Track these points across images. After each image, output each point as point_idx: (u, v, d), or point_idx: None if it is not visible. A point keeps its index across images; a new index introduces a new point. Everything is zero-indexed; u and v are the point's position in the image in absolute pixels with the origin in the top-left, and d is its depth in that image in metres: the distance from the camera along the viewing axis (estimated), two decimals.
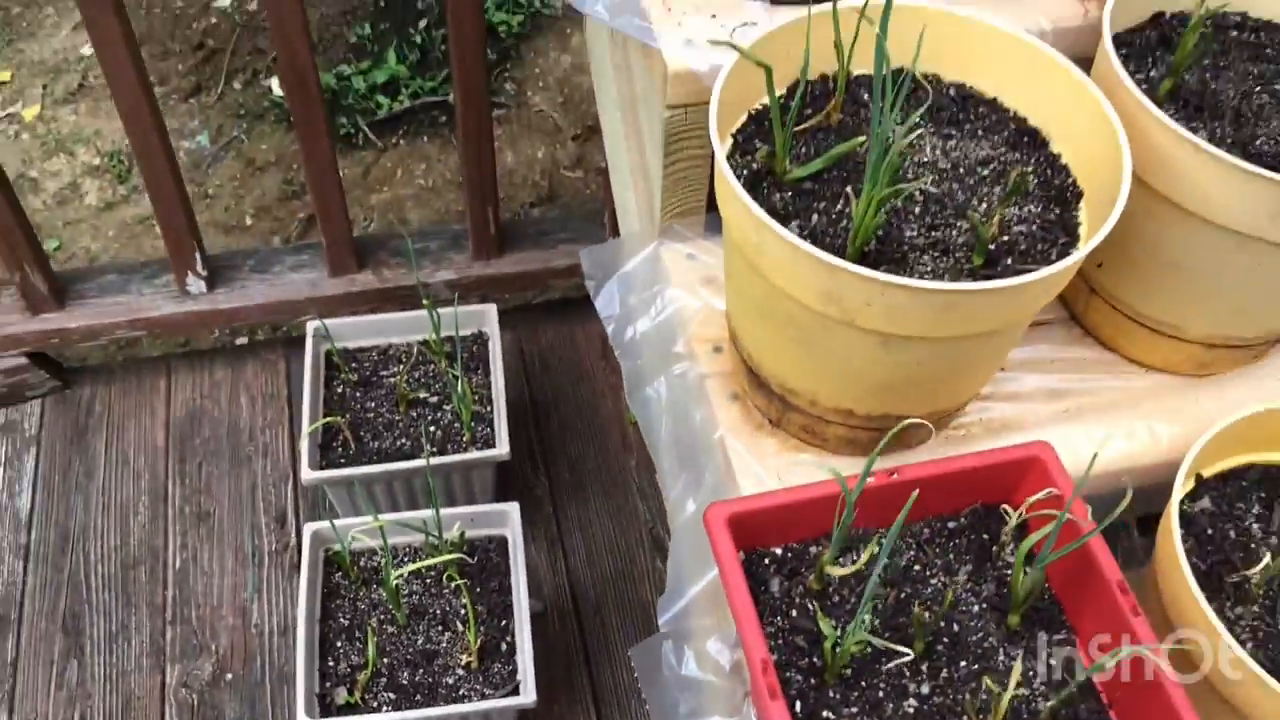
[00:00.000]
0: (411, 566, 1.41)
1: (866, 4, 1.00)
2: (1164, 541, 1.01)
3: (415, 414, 1.64)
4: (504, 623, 1.45)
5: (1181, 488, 1.04)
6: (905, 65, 1.08)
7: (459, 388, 1.56)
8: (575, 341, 1.98)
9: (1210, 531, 1.08)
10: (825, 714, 0.96)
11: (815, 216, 0.98)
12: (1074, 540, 0.96)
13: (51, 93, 3.32)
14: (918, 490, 0.94)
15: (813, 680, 0.98)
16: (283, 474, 1.79)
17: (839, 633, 0.95)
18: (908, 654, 0.94)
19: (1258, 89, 1.12)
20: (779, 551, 1.05)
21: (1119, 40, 1.15)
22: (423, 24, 3.24)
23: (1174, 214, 1.04)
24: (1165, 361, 1.20)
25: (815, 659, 0.98)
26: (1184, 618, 0.97)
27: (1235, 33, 1.18)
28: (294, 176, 2.99)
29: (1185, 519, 1.09)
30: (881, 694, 0.97)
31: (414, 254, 1.87)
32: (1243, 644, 0.97)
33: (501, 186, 1.97)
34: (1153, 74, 1.12)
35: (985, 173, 1.04)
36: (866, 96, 1.09)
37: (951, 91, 1.10)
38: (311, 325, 1.65)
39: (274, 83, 3.22)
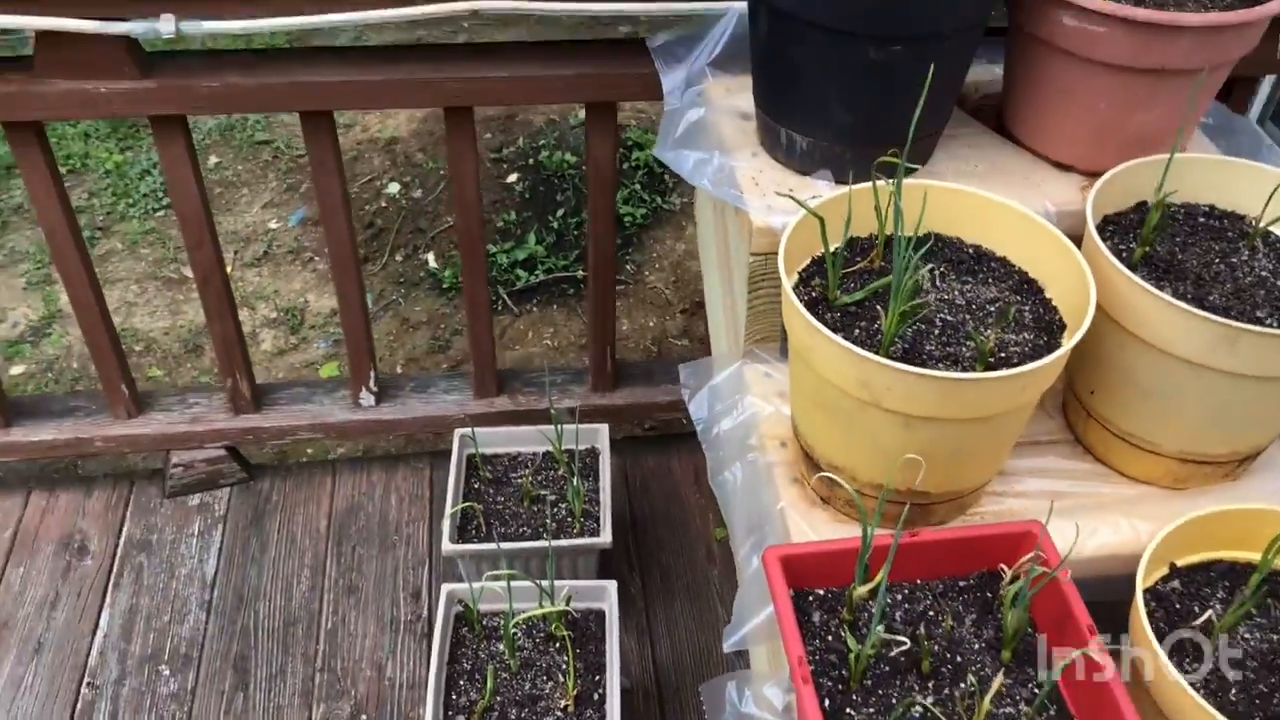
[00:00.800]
0: (525, 615, 1.72)
1: (899, 186, 1.36)
2: (1134, 613, 1.26)
3: (537, 508, 1.97)
4: (597, 678, 1.73)
5: (1146, 566, 1.30)
6: (934, 229, 1.44)
7: (573, 483, 1.90)
8: (672, 469, 2.31)
9: (1178, 606, 1.34)
10: (849, 711, 1.23)
11: (856, 330, 1.32)
12: (1054, 590, 1.24)
13: (241, 257, 3.90)
14: (933, 550, 1.23)
15: (840, 687, 1.25)
16: (420, 559, 2.12)
17: (861, 646, 1.23)
18: (905, 643, 1.21)
19: (1216, 260, 1.44)
20: (821, 592, 1.34)
21: (1109, 220, 1.48)
22: (560, 213, 3.75)
23: (1141, 348, 1.35)
24: (1148, 474, 1.48)
25: (844, 672, 1.26)
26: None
27: (1203, 219, 1.50)
28: (441, 334, 3.45)
29: (1158, 596, 1.35)
30: (894, 700, 1.24)
31: (545, 385, 2.24)
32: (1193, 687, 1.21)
33: (618, 349, 2.35)
34: (1131, 245, 1.45)
35: (992, 309, 1.37)
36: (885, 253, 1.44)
37: (970, 250, 1.45)
38: (459, 431, 2.02)
39: (430, 256, 3.75)
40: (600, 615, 1.82)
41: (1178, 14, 1.38)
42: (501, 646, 1.75)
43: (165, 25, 1.59)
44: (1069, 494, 1.48)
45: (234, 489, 2.24)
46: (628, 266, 3.67)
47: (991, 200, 1.42)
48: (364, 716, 1.89)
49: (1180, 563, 1.37)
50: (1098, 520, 1.43)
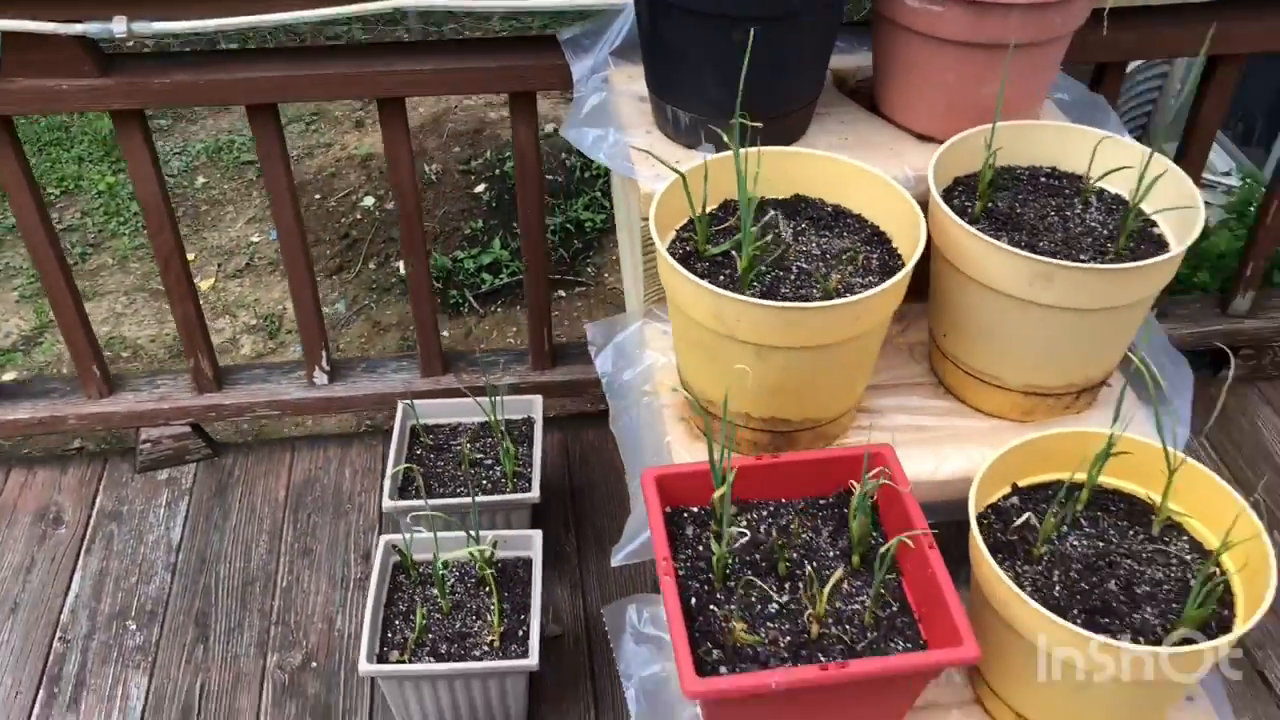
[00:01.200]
0: (451, 555, 1.88)
1: (737, 150, 1.53)
2: (973, 539, 1.42)
3: (474, 471, 2.14)
4: (523, 617, 1.89)
5: (981, 486, 1.45)
6: (800, 191, 1.61)
7: (506, 446, 2.07)
8: (609, 443, 2.46)
9: (1014, 519, 1.49)
10: (711, 607, 1.38)
11: (721, 276, 1.48)
12: (898, 503, 1.40)
13: (224, 269, 4.09)
14: (793, 470, 1.40)
15: (706, 588, 1.41)
16: (370, 524, 2.29)
17: (723, 549, 1.39)
18: (746, 534, 1.37)
19: (1052, 213, 1.60)
20: (695, 509, 1.50)
21: (960, 181, 1.65)
22: None
23: (976, 288, 1.51)
24: (998, 408, 1.64)
25: (710, 575, 1.42)
26: (977, 568, 1.38)
27: (1044, 179, 1.67)
28: (409, 335, 3.63)
29: (998, 510, 1.51)
30: (753, 599, 1.40)
31: (486, 364, 2.41)
32: (1020, 583, 1.37)
33: (576, 344, 2.50)
34: (976, 202, 1.62)
35: (844, 257, 1.54)
36: (770, 211, 1.61)
37: (830, 209, 1.61)
38: (402, 402, 2.19)
39: (401, 264, 3.93)
40: (528, 562, 1.98)
41: None
42: (436, 591, 1.90)
43: (118, 25, 1.78)
44: (928, 427, 1.64)
45: (200, 465, 2.41)
46: (588, 269, 3.85)
47: (848, 164, 1.59)
48: (314, 663, 2.04)
49: (1022, 483, 1.52)
50: (952, 449, 1.59)
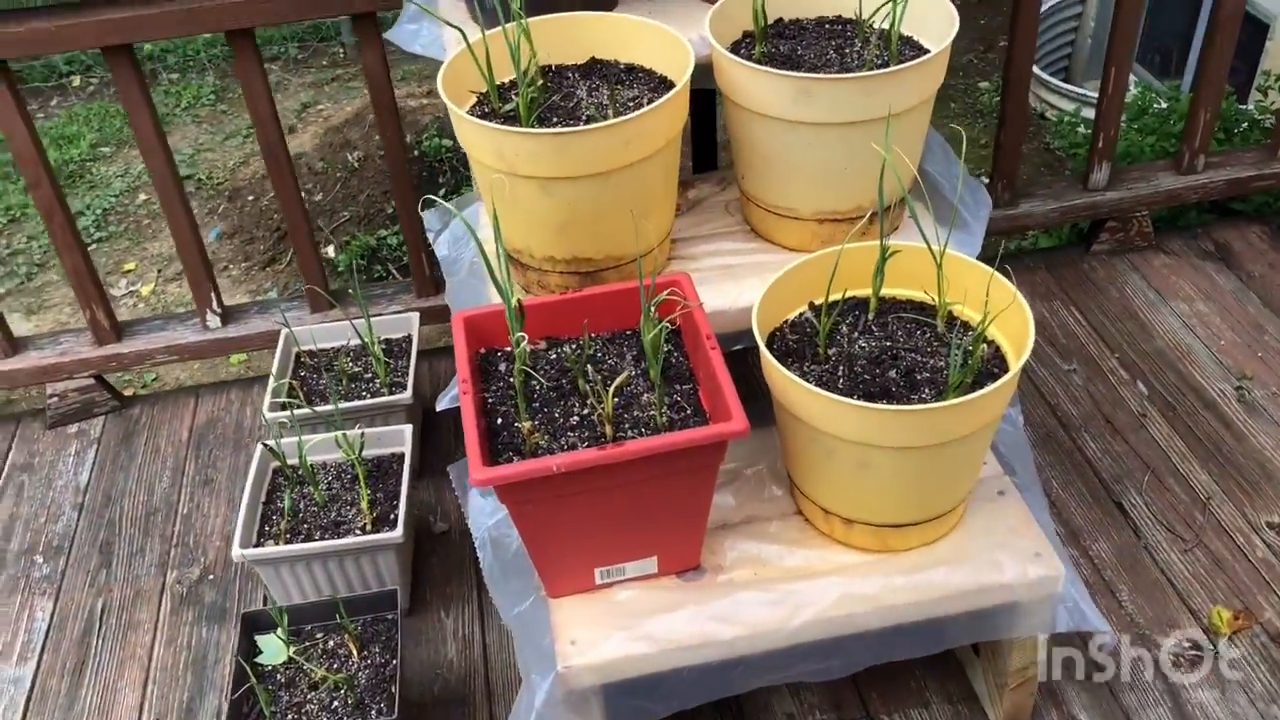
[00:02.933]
0: (323, 457, 1.97)
1: (551, 22, 1.63)
2: (761, 349, 1.51)
3: (354, 385, 2.23)
4: (394, 504, 1.97)
5: (764, 300, 1.54)
6: (596, 54, 1.72)
7: (377, 354, 2.17)
8: None
9: (808, 330, 1.59)
10: (515, 425, 1.47)
11: (505, 123, 1.58)
12: (692, 323, 1.50)
13: (164, 274, 4.21)
14: (595, 303, 1.50)
15: (513, 410, 1.50)
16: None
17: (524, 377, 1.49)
18: (565, 376, 1.46)
19: (831, 52, 1.70)
20: (508, 349, 1.59)
21: (748, 35, 1.75)
22: (441, 192, 4.05)
23: (752, 117, 1.61)
24: (799, 241, 1.73)
25: (517, 401, 1.51)
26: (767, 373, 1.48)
27: (829, 26, 1.77)
28: None
29: (795, 325, 1.60)
30: (557, 414, 1.49)
31: (371, 296, 2.51)
32: (807, 379, 1.46)
33: None
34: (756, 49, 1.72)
35: (631, 104, 1.64)
36: (570, 76, 1.71)
37: (624, 66, 1.72)
38: (285, 330, 2.29)
39: (330, 249, 4.05)
40: (401, 457, 2.07)
41: None
42: (313, 491, 2.00)
43: None
44: (735, 265, 1.74)
45: (108, 417, 2.51)
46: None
47: (633, 21, 1.70)
48: (211, 576, 2.13)
49: (818, 301, 1.61)
50: (755, 279, 1.68)
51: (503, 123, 1.60)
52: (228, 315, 2.50)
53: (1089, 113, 3.82)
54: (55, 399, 2.47)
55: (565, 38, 1.73)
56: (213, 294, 2.44)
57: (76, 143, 4.98)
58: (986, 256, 1.60)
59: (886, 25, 1.72)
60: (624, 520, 1.48)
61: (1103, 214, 2.65)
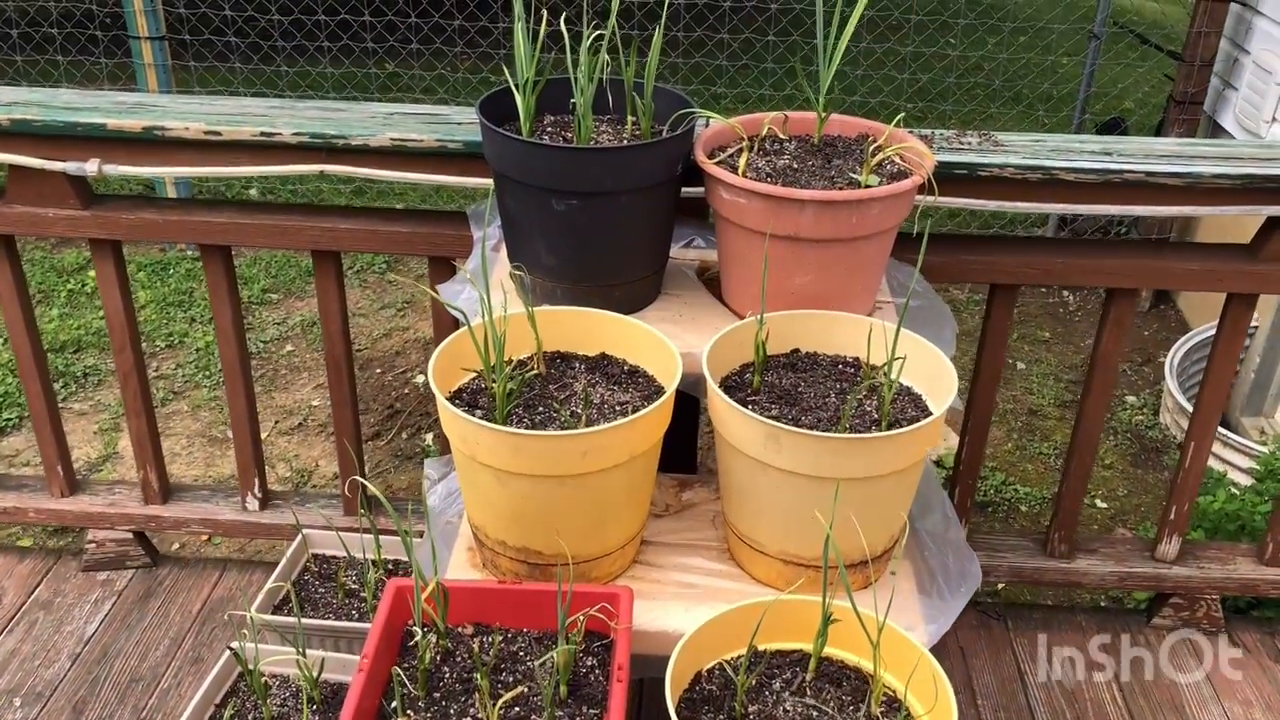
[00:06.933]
0: (280, 671, 1.98)
1: (563, 314, 1.68)
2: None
3: (348, 601, 2.25)
4: None
5: (686, 645, 1.49)
6: (606, 350, 1.76)
7: (371, 577, 2.19)
8: None
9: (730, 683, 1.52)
10: (409, 712, 1.45)
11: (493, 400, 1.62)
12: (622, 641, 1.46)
13: (279, 426, 4.42)
14: (525, 598, 1.50)
15: (410, 695, 1.48)
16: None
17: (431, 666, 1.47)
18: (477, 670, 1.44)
19: (832, 395, 1.68)
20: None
21: (743, 368, 1.75)
22: None
23: (730, 450, 1.60)
24: (765, 575, 1.68)
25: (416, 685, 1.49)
26: None
27: (841, 367, 1.76)
28: (414, 500, 3.84)
29: (717, 673, 1.54)
30: (453, 710, 1.46)
31: (402, 509, 2.56)
32: None
33: None
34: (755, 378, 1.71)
35: (619, 407, 1.65)
36: (576, 366, 1.75)
37: (627, 367, 1.74)
38: (304, 531, 2.35)
39: (430, 437, 4.18)
40: None
41: (796, 189, 1.71)
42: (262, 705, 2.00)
43: (91, 166, 2.12)
44: (695, 585, 1.69)
45: (137, 572, 2.61)
46: None
47: (639, 327, 1.73)
48: None
49: (768, 647, 1.55)
50: (706, 609, 1.62)
51: (491, 400, 1.64)
52: (267, 499, 2.59)
53: (1238, 460, 3.61)
54: (94, 545, 2.60)
55: (579, 328, 1.77)
56: (257, 479, 2.54)
57: (250, 285, 5.36)
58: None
59: (906, 381, 1.69)
60: None
61: (1167, 589, 2.47)
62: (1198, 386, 2.20)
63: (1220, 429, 4.36)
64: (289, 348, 4.95)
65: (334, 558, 2.38)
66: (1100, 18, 5.61)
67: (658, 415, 1.56)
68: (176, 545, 2.91)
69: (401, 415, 4.38)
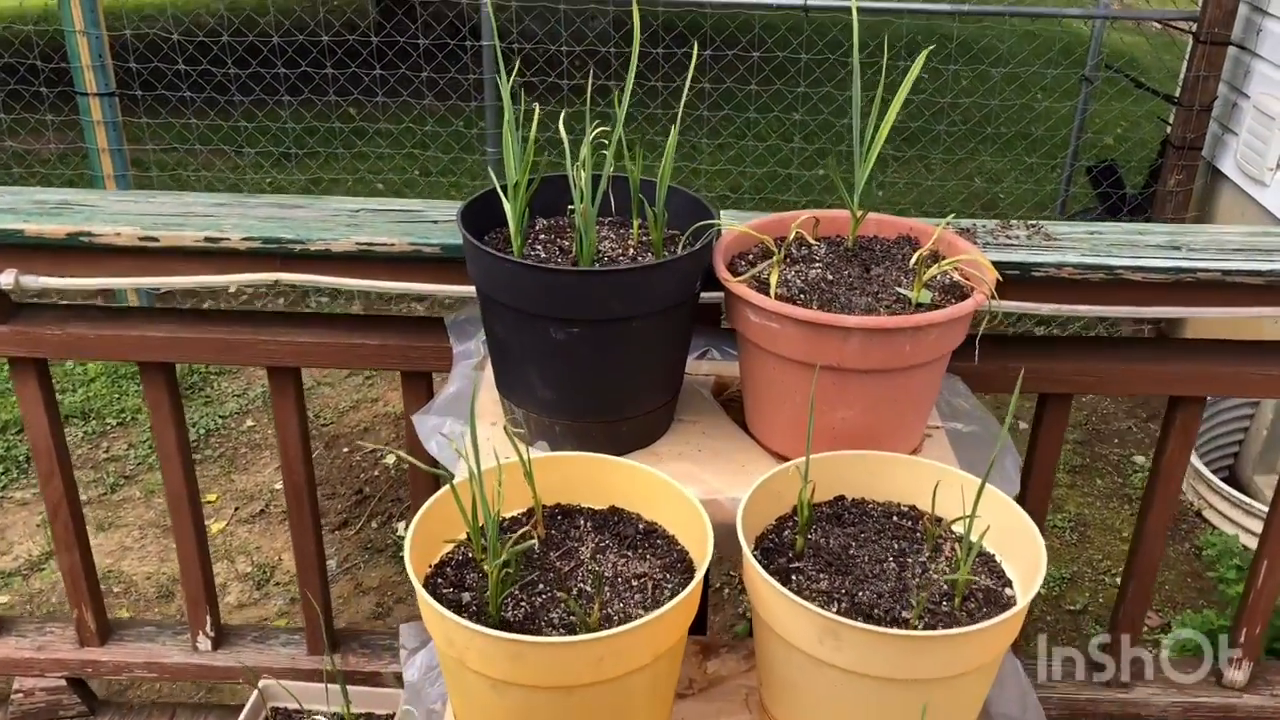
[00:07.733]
0: None
1: (565, 461, 1.41)
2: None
3: None
4: None
5: None
6: (616, 503, 1.47)
7: None
8: None
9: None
10: None
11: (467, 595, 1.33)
12: None
13: (239, 514, 4.10)
14: None
15: None
16: None
17: None
18: None
19: (890, 558, 1.41)
20: None
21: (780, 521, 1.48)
22: None
23: (775, 639, 1.32)
24: None
25: None
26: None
27: (896, 519, 1.49)
28: (386, 600, 3.53)
29: None
30: None
31: (378, 647, 2.26)
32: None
33: None
34: (809, 537, 1.44)
35: (635, 584, 1.37)
36: (582, 524, 1.47)
37: (642, 525, 1.46)
38: (264, 681, 2.05)
39: (402, 525, 3.87)
40: None
41: (840, 315, 1.44)
42: None
43: (6, 278, 1.82)
44: None
45: None
46: None
47: (660, 479, 1.45)
48: None
49: None
50: None
51: (482, 577, 1.35)
52: (221, 638, 2.28)
53: (1254, 525, 3.35)
54: (20, 695, 2.27)
55: (585, 477, 1.49)
56: (208, 616, 2.23)
57: None
58: None
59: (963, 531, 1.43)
60: None
61: None
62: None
63: (1229, 489, 4.15)
64: (249, 423, 4.63)
65: (297, 713, 2.07)
66: (1092, 62, 5.43)
67: (686, 605, 1.28)
68: (119, 688, 2.59)
69: (371, 501, 4.07)
